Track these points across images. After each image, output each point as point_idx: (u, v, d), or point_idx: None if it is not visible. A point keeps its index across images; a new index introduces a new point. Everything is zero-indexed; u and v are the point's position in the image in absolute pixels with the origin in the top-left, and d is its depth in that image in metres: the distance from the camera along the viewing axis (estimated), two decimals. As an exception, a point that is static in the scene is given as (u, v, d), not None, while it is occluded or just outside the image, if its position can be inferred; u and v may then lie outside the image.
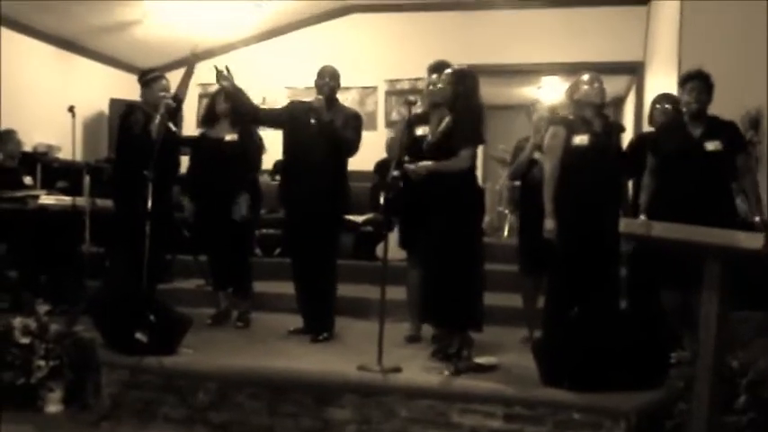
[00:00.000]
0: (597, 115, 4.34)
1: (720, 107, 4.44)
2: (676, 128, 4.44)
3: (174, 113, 5.41)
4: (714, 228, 2.60)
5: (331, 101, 4.95)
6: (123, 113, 5.60)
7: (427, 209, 4.28)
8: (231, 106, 5.31)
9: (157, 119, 5.11)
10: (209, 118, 5.48)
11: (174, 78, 5.64)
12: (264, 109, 5.45)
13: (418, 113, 4.76)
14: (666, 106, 4.89)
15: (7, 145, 6.17)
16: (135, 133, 5.28)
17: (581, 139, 4.26)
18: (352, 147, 4.94)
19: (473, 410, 3.62)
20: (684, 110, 4.37)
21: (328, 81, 4.94)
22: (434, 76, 4.73)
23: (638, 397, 3.52)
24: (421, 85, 5.08)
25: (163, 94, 5.24)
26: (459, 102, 4.24)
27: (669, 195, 4.27)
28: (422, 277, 4.49)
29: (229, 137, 5.33)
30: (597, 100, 4.32)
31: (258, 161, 5.68)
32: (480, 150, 4.42)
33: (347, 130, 4.89)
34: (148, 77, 5.47)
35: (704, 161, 4.23)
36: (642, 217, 4.35)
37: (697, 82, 4.30)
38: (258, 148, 5.59)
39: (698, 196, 4.11)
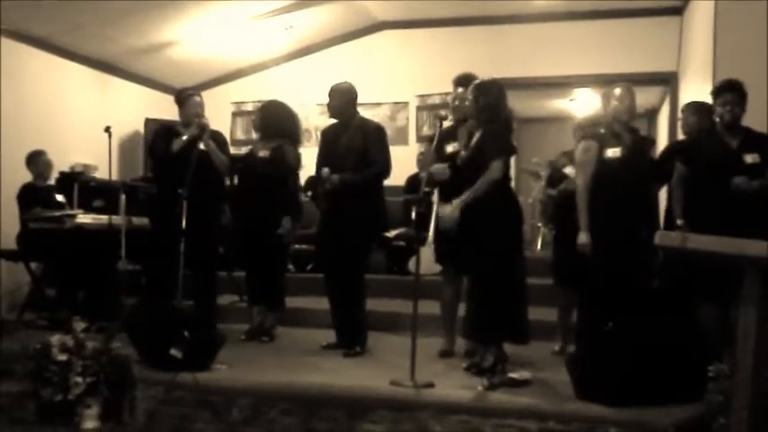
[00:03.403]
0: (626, 129, 4.31)
1: (756, 117, 4.37)
2: (712, 138, 4.38)
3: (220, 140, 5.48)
4: (754, 240, 2.56)
5: (346, 119, 4.99)
6: (152, 135, 5.67)
7: (465, 223, 4.26)
8: (261, 121, 5.36)
9: (184, 136, 5.17)
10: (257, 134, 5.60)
11: (207, 96, 5.72)
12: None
13: (447, 128, 4.74)
14: (691, 116, 4.87)
15: (38, 166, 6.32)
16: (162, 153, 5.32)
17: (613, 152, 4.25)
18: (383, 169, 4.93)
19: (507, 425, 3.57)
20: (718, 121, 4.32)
21: (331, 101, 5.00)
22: (460, 89, 4.73)
23: (677, 412, 3.45)
24: (449, 97, 5.07)
25: (197, 111, 5.30)
26: (485, 114, 4.23)
27: (705, 206, 4.21)
28: (466, 292, 4.46)
29: (262, 153, 5.36)
30: (625, 117, 4.30)
31: (293, 179, 5.52)
32: (513, 163, 4.41)
33: (377, 149, 4.88)
34: (182, 96, 5.55)
35: (742, 173, 4.17)
36: (679, 222, 4.30)
37: (730, 93, 4.25)
38: (291, 166, 5.43)
39: (736, 208, 4.05)
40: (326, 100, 5.06)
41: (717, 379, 3.53)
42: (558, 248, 5.07)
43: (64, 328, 4.14)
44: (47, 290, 6.05)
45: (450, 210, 4.18)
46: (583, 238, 4.23)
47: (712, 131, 4.43)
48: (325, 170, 4.85)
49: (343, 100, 5.00)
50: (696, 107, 5.02)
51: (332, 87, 5.04)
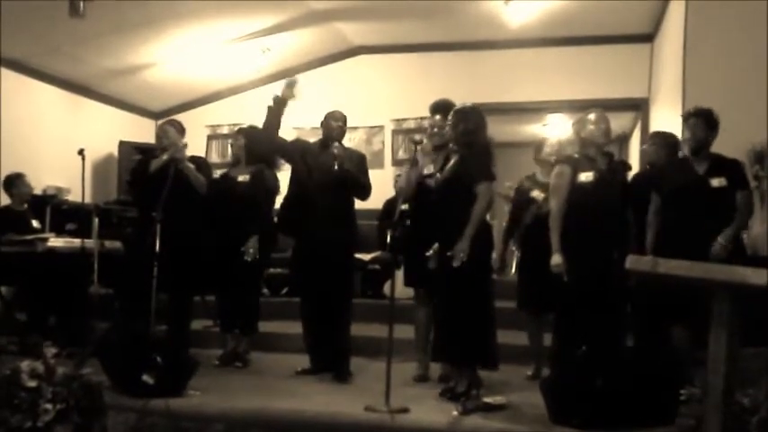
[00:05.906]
0: (601, 154, 4.36)
1: (725, 142, 4.44)
2: (680, 164, 4.45)
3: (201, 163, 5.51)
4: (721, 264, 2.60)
5: (330, 144, 5.01)
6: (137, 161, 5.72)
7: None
8: (246, 146, 5.36)
9: (163, 158, 5.17)
10: (234, 159, 5.60)
11: (182, 119, 5.72)
12: (281, 139, 5.11)
13: (424, 152, 4.78)
14: (650, 146, 4.94)
15: (20, 189, 6.25)
16: (141, 175, 5.32)
17: (586, 176, 4.27)
18: (368, 191, 5.03)
19: (482, 450, 3.58)
20: (684, 146, 4.40)
21: (342, 125, 5.05)
22: (438, 116, 4.78)
23: (649, 435, 3.48)
24: (426, 123, 5.12)
25: (181, 143, 5.31)
26: (464, 139, 4.27)
27: (674, 231, 4.27)
28: (434, 315, 4.47)
29: (242, 177, 5.35)
30: (602, 140, 4.34)
31: (269, 203, 5.48)
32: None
33: (361, 174, 4.94)
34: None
35: (708, 197, 4.24)
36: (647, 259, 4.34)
37: (695, 119, 4.32)
38: (270, 189, 5.43)
39: (703, 232, 4.11)
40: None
41: (689, 402, 3.55)
42: (523, 274, 5.10)
43: (34, 354, 4.08)
44: (17, 314, 5.96)
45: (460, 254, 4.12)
46: (556, 259, 4.25)
47: (683, 158, 4.50)
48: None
49: (343, 125, 5.08)
50: (652, 136, 5.12)
51: (336, 112, 5.10)
